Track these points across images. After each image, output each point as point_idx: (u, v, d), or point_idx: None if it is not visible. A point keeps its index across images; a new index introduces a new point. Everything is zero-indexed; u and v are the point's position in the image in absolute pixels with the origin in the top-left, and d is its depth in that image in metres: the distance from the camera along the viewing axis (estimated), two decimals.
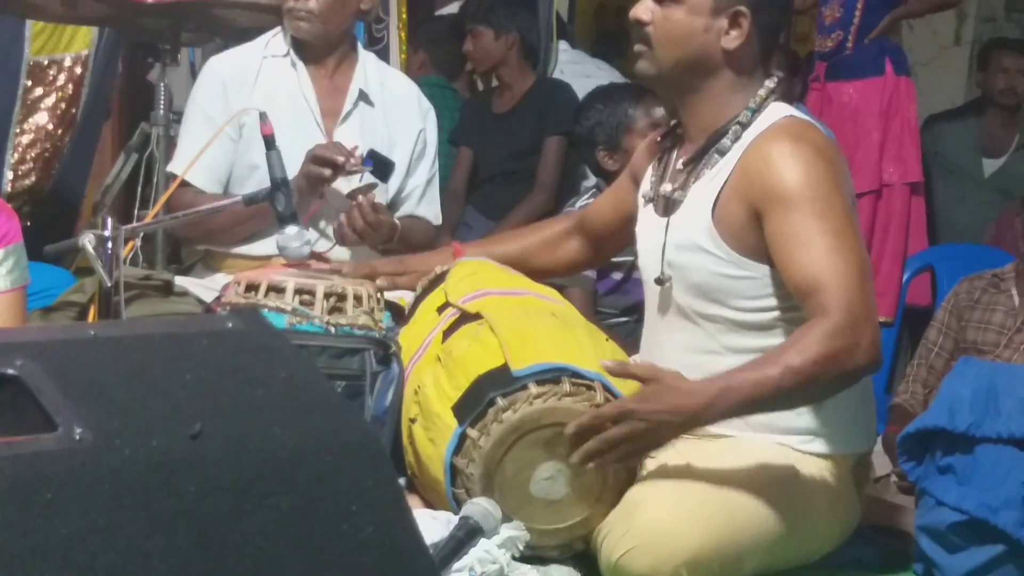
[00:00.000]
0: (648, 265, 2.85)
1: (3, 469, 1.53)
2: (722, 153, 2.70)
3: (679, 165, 2.80)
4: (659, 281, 2.78)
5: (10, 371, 1.67)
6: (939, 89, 7.21)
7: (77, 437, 1.61)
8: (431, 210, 3.86)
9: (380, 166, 3.54)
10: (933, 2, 5.56)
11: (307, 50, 3.68)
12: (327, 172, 3.44)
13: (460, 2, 6.44)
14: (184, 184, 3.52)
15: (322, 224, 3.60)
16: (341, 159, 3.43)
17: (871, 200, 5.17)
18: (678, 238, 2.73)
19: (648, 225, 2.85)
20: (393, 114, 3.77)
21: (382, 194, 3.64)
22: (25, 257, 3.04)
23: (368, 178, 3.54)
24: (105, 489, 1.57)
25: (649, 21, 2.71)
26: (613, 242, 3.18)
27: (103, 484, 1.57)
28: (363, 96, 3.72)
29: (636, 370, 2.48)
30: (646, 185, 2.88)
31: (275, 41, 3.73)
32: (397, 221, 3.59)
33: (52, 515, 1.54)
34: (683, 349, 2.74)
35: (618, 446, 2.43)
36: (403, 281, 3.18)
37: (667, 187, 2.79)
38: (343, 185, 3.55)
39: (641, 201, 2.89)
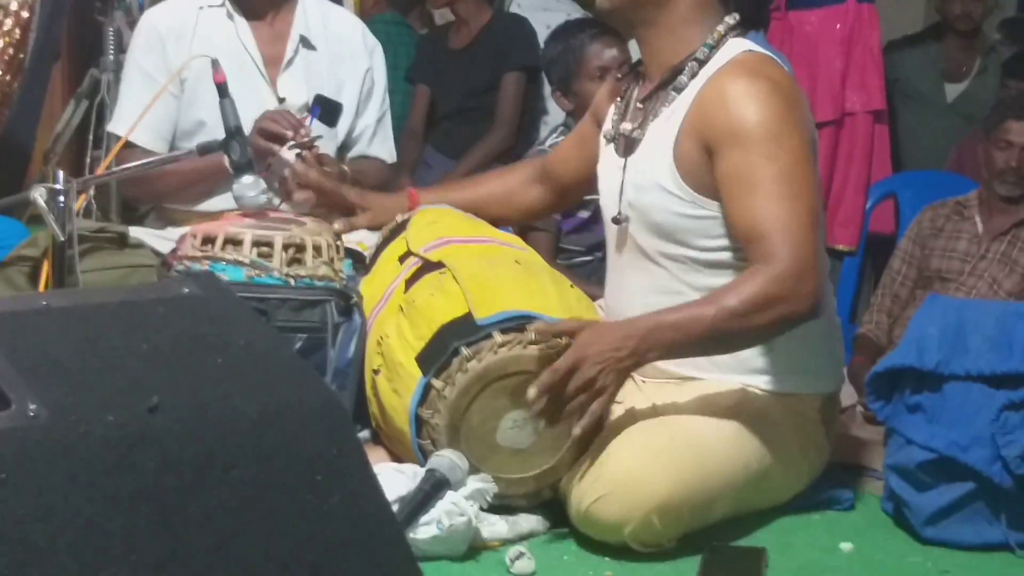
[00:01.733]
0: (607, 205, 2.82)
1: None
2: (679, 90, 2.66)
3: (638, 104, 2.77)
4: (616, 220, 2.76)
5: None
6: (898, 11, 7.15)
7: (31, 414, 1.57)
8: (384, 148, 3.79)
9: (327, 111, 3.45)
10: None
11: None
12: (276, 147, 3.32)
13: None
14: (129, 145, 3.43)
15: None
16: (290, 133, 3.31)
17: (833, 130, 5.13)
18: (637, 179, 2.70)
19: (608, 165, 2.82)
20: (337, 55, 3.67)
21: (332, 139, 3.57)
22: None
23: (315, 128, 3.44)
24: (61, 467, 1.54)
25: None
26: (577, 188, 3.13)
27: (59, 462, 1.54)
28: (304, 41, 3.62)
29: (562, 327, 2.49)
30: (607, 124, 2.84)
31: None
32: (346, 167, 3.49)
33: (6, 496, 1.50)
34: (647, 290, 2.72)
35: (577, 396, 2.44)
36: (361, 220, 3.12)
37: (627, 126, 2.75)
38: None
39: (602, 141, 2.85)
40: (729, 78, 2.59)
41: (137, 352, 1.68)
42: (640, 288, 2.73)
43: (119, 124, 3.57)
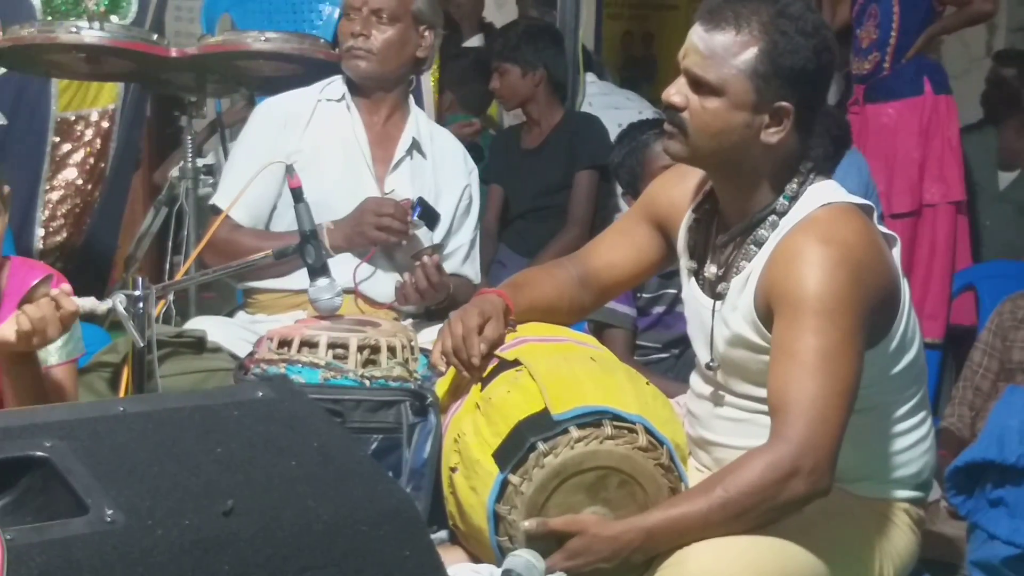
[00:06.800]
0: (699, 349, 2.76)
1: (33, 556, 1.51)
2: (759, 244, 2.60)
3: (718, 242, 2.70)
4: (709, 367, 2.70)
5: (39, 453, 1.65)
6: (973, 101, 7.15)
7: (108, 519, 1.59)
8: (473, 269, 3.90)
9: (427, 215, 3.58)
10: (967, 16, 5.51)
11: (362, 94, 3.73)
12: (394, 239, 3.53)
13: (481, 35, 6.45)
14: (218, 212, 3.58)
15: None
16: (403, 227, 3.54)
17: (911, 221, 5.12)
18: (726, 333, 2.64)
19: (695, 302, 2.75)
20: (441, 167, 3.81)
21: None
22: (80, 328, 2.99)
23: (425, 234, 3.63)
24: (138, 572, 1.55)
25: (684, 107, 2.56)
26: (617, 292, 3.08)
27: (136, 567, 1.55)
28: (415, 145, 3.77)
29: (557, 525, 2.47)
30: (685, 258, 2.77)
31: (331, 87, 3.78)
32: (449, 283, 3.61)
33: None
34: (739, 432, 2.65)
35: None
36: None
37: (711, 269, 2.69)
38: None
39: (685, 273, 2.80)
40: (802, 240, 2.52)
41: (212, 456, 1.70)
42: (733, 429, 2.67)
43: (220, 197, 3.68)
